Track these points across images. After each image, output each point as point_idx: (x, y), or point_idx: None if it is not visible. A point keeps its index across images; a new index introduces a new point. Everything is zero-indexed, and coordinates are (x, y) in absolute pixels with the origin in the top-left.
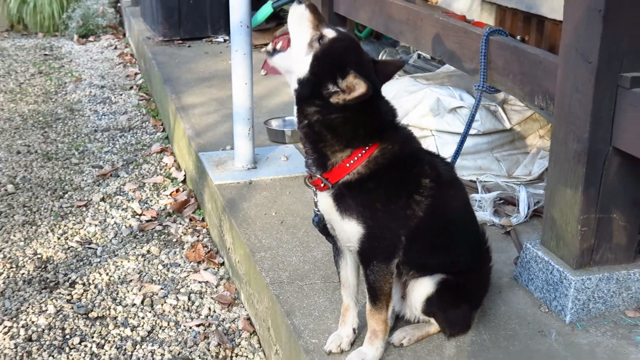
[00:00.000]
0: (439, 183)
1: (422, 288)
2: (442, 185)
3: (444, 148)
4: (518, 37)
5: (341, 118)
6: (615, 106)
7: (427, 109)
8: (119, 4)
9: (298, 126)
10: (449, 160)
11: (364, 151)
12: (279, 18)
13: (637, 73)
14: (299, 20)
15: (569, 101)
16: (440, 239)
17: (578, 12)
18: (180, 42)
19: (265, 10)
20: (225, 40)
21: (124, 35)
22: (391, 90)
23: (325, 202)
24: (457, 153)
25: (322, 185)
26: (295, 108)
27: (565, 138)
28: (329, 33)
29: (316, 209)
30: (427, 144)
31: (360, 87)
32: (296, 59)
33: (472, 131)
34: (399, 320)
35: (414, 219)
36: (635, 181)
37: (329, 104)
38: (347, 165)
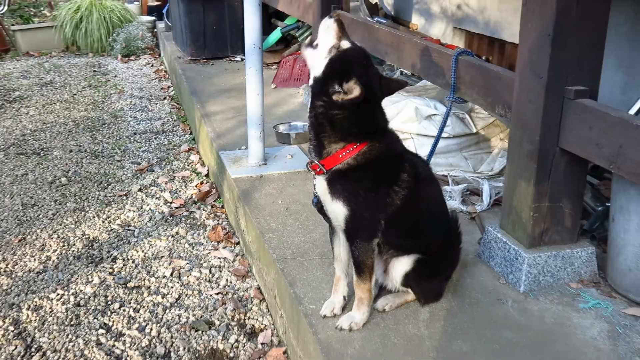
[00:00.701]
0: (416, 178)
1: (401, 265)
2: (419, 180)
3: (421, 148)
4: (483, 57)
5: (340, 115)
6: (562, 114)
7: (407, 116)
8: (155, 30)
9: (308, 115)
10: (425, 158)
11: (355, 146)
12: (286, 41)
13: (580, 87)
14: (326, 30)
15: (524, 110)
16: (413, 226)
17: (531, 36)
18: (205, 60)
19: (275, 34)
20: (242, 60)
21: (159, 55)
22: None
23: (321, 185)
24: (431, 152)
25: (318, 170)
26: (309, 100)
27: (521, 140)
28: (345, 45)
29: (315, 191)
30: (407, 145)
31: (355, 91)
32: (318, 59)
33: (444, 134)
34: (382, 290)
35: (392, 206)
36: (578, 176)
37: (332, 101)
38: (340, 156)
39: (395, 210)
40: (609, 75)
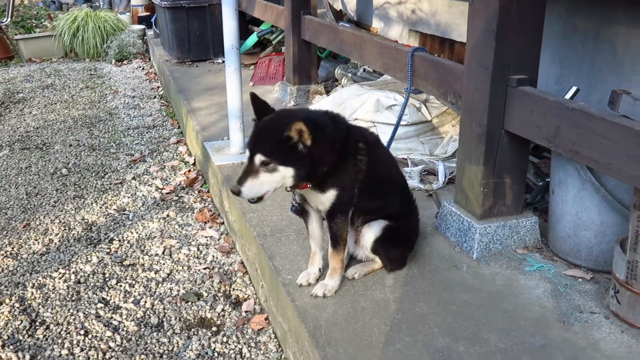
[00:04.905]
0: (369, 144)
1: (372, 232)
2: (371, 145)
3: (383, 136)
4: (435, 55)
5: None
6: (506, 100)
7: (370, 107)
8: (145, 37)
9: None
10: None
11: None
12: (262, 45)
13: (521, 75)
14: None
15: (472, 98)
16: (378, 184)
17: (477, 32)
18: (190, 63)
19: (252, 39)
20: (223, 62)
21: (149, 59)
22: (344, 94)
23: (307, 192)
24: (391, 138)
25: (309, 186)
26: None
27: (470, 125)
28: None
29: (293, 201)
30: None
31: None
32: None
33: (403, 122)
34: (352, 260)
35: (361, 174)
36: (521, 155)
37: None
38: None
39: (363, 176)
40: (545, 68)
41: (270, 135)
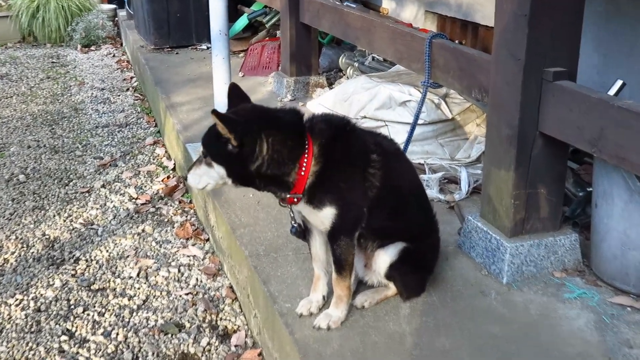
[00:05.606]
0: (386, 156)
1: (386, 256)
2: (389, 157)
3: (396, 136)
4: (456, 41)
5: (268, 155)
6: (541, 97)
7: (381, 102)
8: (116, 18)
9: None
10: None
11: (305, 155)
12: (253, 28)
13: (558, 68)
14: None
15: (501, 93)
16: (396, 203)
17: (507, 16)
18: (169, 49)
19: (242, 21)
20: (208, 48)
21: (121, 44)
22: (350, 87)
23: (303, 208)
24: (408, 140)
25: (295, 200)
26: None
27: (498, 125)
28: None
29: (293, 222)
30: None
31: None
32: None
33: (419, 121)
34: (361, 285)
35: (373, 190)
36: (558, 160)
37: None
38: (302, 174)
39: (376, 193)
40: (585, 56)
41: (213, 128)
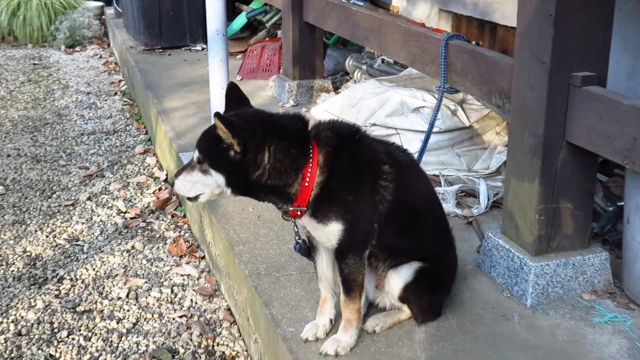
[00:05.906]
0: (399, 167)
1: (400, 277)
2: (402, 168)
3: (409, 145)
4: (473, 42)
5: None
6: (568, 103)
7: (392, 109)
8: (103, 17)
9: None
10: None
11: (309, 165)
12: (252, 28)
13: (586, 72)
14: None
15: (524, 99)
16: (410, 218)
17: (531, 16)
18: (161, 50)
19: (240, 20)
20: (203, 49)
21: (109, 45)
22: (358, 92)
23: (307, 222)
24: (422, 150)
25: (298, 213)
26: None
27: (522, 133)
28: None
29: (297, 237)
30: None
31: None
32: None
33: (434, 129)
34: (372, 308)
35: (384, 204)
36: (587, 172)
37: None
38: (306, 184)
39: (388, 207)
40: (614, 59)
41: (212, 131)
